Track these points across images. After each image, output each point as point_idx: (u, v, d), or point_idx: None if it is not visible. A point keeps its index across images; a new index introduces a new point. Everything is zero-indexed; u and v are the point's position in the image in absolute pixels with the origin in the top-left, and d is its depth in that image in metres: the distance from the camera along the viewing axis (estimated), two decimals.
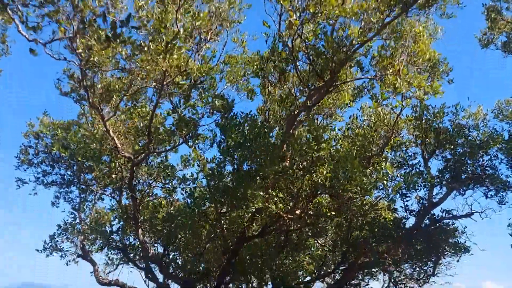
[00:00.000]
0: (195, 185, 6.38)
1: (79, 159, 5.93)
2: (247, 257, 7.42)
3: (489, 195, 7.77)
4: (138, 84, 5.54)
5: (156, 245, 7.37)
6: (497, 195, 7.72)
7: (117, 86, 5.48)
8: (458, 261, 8.09)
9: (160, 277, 7.61)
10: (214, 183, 5.70)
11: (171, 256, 7.14)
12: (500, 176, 7.61)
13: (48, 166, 6.97)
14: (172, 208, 6.36)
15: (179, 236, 6.45)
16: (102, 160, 5.94)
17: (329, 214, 5.52)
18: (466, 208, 7.32)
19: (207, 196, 6.00)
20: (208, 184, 6.50)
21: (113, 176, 6.14)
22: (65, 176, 7.01)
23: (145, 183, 6.31)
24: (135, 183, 6.11)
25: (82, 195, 7.18)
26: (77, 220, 7.41)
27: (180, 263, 7.08)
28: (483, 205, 7.31)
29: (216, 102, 5.73)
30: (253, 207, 5.37)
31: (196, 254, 6.36)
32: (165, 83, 5.19)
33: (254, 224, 6.56)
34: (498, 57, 8.12)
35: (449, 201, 7.71)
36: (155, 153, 6.13)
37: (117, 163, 5.95)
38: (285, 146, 5.11)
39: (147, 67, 4.63)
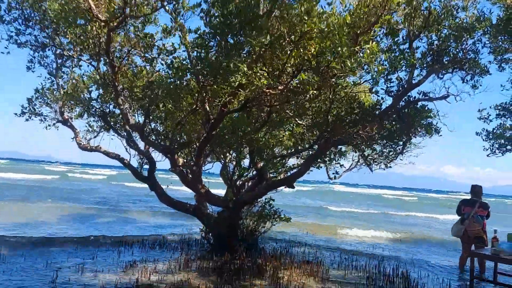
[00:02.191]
0: (175, 55, 6.20)
1: (53, 19, 5.55)
2: (228, 131, 7.62)
3: (466, 80, 7.94)
4: None
5: (136, 114, 7.44)
6: (472, 79, 7.87)
7: None
8: (431, 137, 8.56)
9: (141, 145, 7.84)
10: (197, 54, 5.54)
11: (152, 125, 7.27)
12: (480, 60, 7.69)
13: (22, 26, 6.55)
14: (153, 76, 6.24)
15: (160, 105, 6.46)
16: (77, 23, 5.57)
17: (311, 91, 5.53)
18: (443, 90, 7.50)
19: (189, 67, 5.88)
20: (190, 55, 6.31)
21: (90, 41, 5.85)
22: (39, 38, 6.66)
23: (123, 50, 6.05)
24: (113, 49, 5.86)
25: (59, 61, 6.91)
26: (55, 86, 7.27)
27: (161, 132, 7.24)
28: (459, 88, 7.50)
29: None
30: (236, 81, 5.31)
31: (177, 124, 6.45)
32: None
33: (236, 99, 6.57)
34: None
35: (426, 84, 7.86)
36: (132, 18, 5.76)
37: (93, 27, 5.62)
38: (273, 17, 4.88)
39: None
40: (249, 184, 8.88)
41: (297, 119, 7.81)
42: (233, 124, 7.41)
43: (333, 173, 9.04)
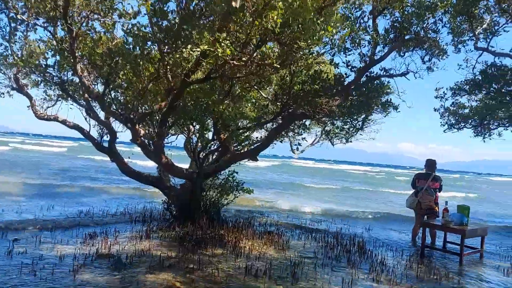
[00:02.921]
0: (135, 21, 6.00)
1: None
2: (191, 102, 7.54)
3: (424, 60, 8.19)
4: None
5: (96, 82, 7.20)
6: (430, 60, 8.13)
7: None
8: (387, 114, 8.84)
9: (101, 115, 7.63)
10: (156, 20, 5.38)
11: (112, 95, 7.08)
12: (440, 41, 7.93)
13: None
14: (112, 43, 6.03)
15: (120, 74, 6.28)
16: None
17: (275, 64, 5.53)
18: (403, 68, 7.72)
19: (149, 35, 5.72)
20: (151, 21, 6.13)
21: (46, 3, 5.55)
22: None
23: (82, 14, 5.78)
24: (71, 13, 5.60)
25: (12, 25, 6.53)
26: (9, 52, 6.89)
27: (121, 101, 7.07)
28: (419, 66, 7.74)
29: None
30: (199, 49, 5.22)
31: (139, 94, 6.31)
32: None
33: (199, 69, 6.49)
34: None
35: (388, 61, 8.05)
36: None
37: None
38: None
39: None
40: (213, 156, 8.89)
41: (260, 91, 7.83)
42: (196, 95, 7.33)
43: (296, 145, 9.18)
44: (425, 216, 8.37)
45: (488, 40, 7.87)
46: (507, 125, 9.05)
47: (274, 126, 8.15)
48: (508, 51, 7.68)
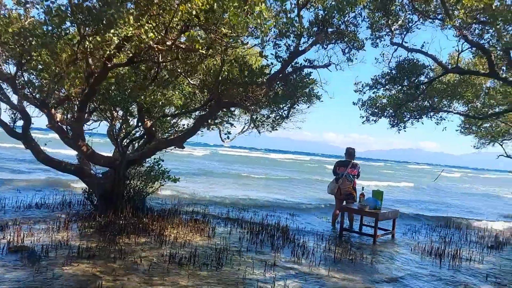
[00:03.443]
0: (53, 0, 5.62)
1: None
2: (113, 87, 7.24)
3: (345, 52, 8.58)
4: None
5: (8, 63, 6.64)
6: (349, 52, 8.55)
7: None
8: (309, 107, 9.17)
9: (14, 99, 7.08)
10: (77, 1, 5.08)
11: (26, 77, 6.58)
12: (358, 35, 8.35)
13: None
14: (26, 22, 5.59)
15: (35, 56, 5.85)
16: None
17: (201, 50, 5.49)
18: (326, 59, 8.03)
19: (69, 15, 5.39)
20: (70, 1, 5.78)
21: None
22: None
23: None
24: None
25: None
26: None
27: (36, 84, 6.60)
28: (340, 58, 8.10)
29: None
30: (122, 33, 5.03)
31: (56, 77, 5.94)
32: None
33: (122, 53, 6.25)
34: None
35: (312, 53, 8.35)
36: None
37: None
38: None
39: None
40: (138, 144, 8.65)
41: (188, 79, 7.73)
42: (119, 80, 7.06)
43: (225, 134, 9.21)
44: (344, 201, 8.88)
45: (403, 36, 8.44)
46: (417, 116, 9.83)
47: (201, 114, 8.11)
48: (420, 47, 8.31)
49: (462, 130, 13.27)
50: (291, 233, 7.50)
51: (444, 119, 10.40)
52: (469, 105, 10.69)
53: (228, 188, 15.40)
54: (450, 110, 10.42)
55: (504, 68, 7.86)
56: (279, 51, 7.40)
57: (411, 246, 7.53)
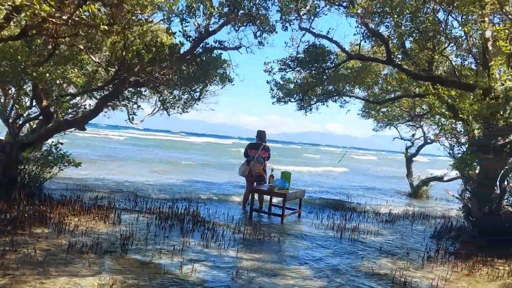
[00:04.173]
0: None
1: None
2: (5, 62, 6.49)
3: (257, 35, 8.63)
4: None
5: None
6: (261, 35, 8.62)
7: None
8: (222, 88, 9.13)
9: None
10: None
11: None
12: (270, 18, 8.44)
13: None
14: None
15: None
16: None
17: (103, 26, 5.11)
18: (237, 41, 8.00)
19: None
20: None
21: None
22: None
23: None
24: None
25: None
26: None
27: None
28: (251, 41, 8.13)
29: None
30: (11, 3, 4.49)
31: None
32: None
33: (11, 25, 5.60)
34: None
35: (224, 35, 8.27)
36: None
37: None
38: None
39: None
40: (33, 125, 7.91)
41: (90, 55, 7.20)
42: (11, 54, 6.34)
43: (131, 114, 8.81)
44: (255, 183, 9.05)
45: (311, 22, 8.69)
46: (323, 100, 10.28)
47: (105, 93, 7.63)
48: (326, 33, 8.63)
49: (363, 114, 14.20)
50: (202, 216, 7.47)
51: (348, 103, 11.01)
52: (369, 90, 11.45)
53: (139, 173, 14.86)
54: (353, 95, 11.05)
55: (400, 56, 8.49)
56: (186, 26, 7.15)
57: (316, 224, 7.95)
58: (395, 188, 17.80)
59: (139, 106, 8.57)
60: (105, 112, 8.02)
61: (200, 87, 8.74)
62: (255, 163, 9.05)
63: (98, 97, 8.17)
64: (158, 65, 6.72)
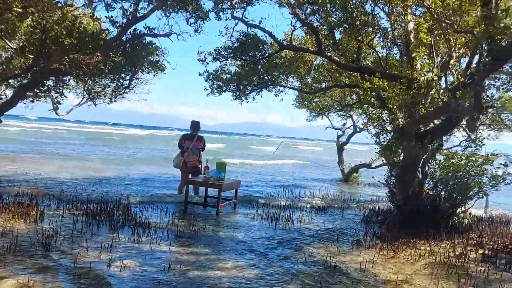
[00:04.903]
0: None
1: None
2: None
3: (190, 22, 8.41)
4: None
5: None
6: (195, 23, 8.41)
7: None
8: (154, 76, 8.80)
9: None
10: None
11: None
12: (203, 5, 8.26)
13: None
14: None
15: None
16: None
17: (16, 8, 4.68)
18: (168, 28, 7.73)
19: None
20: None
21: None
22: None
23: None
24: None
25: None
26: None
27: None
28: (182, 28, 7.90)
29: None
30: None
31: None
32: None
33: None
34: None
35: (153, 20, 7.94)
36: None
37: None
38: None
39: None
40: None
41: (5, 40, 6.59)
42: None
43: (55, 104, 8.23)
44: (190, 174, 8.88)
45: (243, 11, 8.61)
46: (258, 90, 10.29)
47: (23, 82, 7.04)
48: (258, 23, 8.60)
49: (297, 104, 14.47)
50: (133, 211, 7.17)
51: (282, 92, 11.13)
52: (302, 80, 11.65)
53: (67, 168, 14.00)
54: (286, 85, 11.18)
55: (330, 47, 8.69)
56: (112, 11, 6.78)
57: (251, 214, 7.97)
58: (328, 176, 18.43)
59: (62, 94, 8.00)
60: (24, 103, 7.40)
61: (129, 75, 8.35)
62: (190, 154, 8.87)
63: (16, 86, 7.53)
64: (82, 52, 6.30)
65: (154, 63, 8.19)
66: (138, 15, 7.02)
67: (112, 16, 7.16)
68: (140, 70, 8.28)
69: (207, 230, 6.39)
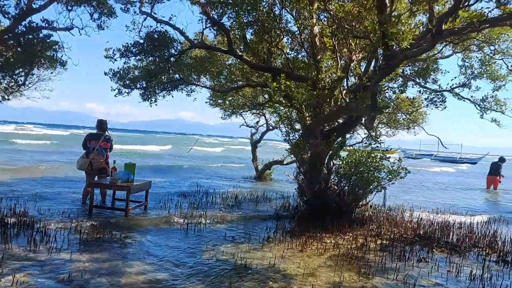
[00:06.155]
0: None
1: None
2: None
3: (94, 17, 7.96)
4: None
5: None
6: (100, 18, 7.98)
7: None
8: (52, 73, 8.17)
9: None
10: None
11: None
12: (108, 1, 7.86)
13: None
14: None
15: None
16: None
17: None
18: (68, 22, 7.23)
19: None
20: None
21: None
22: None
23: None
24: None
25: None
26: None
27: None
28: (85, 22, 7.44)
29: None
30: None
31: None
32: None
33: None
34: None
35: (52, 13, 7.38)
36: None
37: None
38: None
39: None
40: None
41: None
42: None
43: None
44: (96, 176, 8.41)
45: (152, 6, 8.33)
46: (169, 89, 10.03)
47: None
48: (168, 19, 8.40)
49: (211, 102, 14.44)
50: (31, 217, 6.60)
51: (194, 91, 11.00)
52: (215, 79, 11.62)
53: None
54: (199, 84, 11.08)
55: (242, 47, 8.78)
56: (5, 5, 6.20)
57: (162, 216, 7.75)
58: (243, 173, 18.63)
59: None
60: None
61: (24, 71, 7.66)
62: (96, 155, 8.40)
63: None
64: None
65: (53, 58, 7.60)
66: (34, 6, 6.47)
67: (3, 6, 6.52)
68: (36, 66, 7.63)
69: (114, 235, 6.10)
